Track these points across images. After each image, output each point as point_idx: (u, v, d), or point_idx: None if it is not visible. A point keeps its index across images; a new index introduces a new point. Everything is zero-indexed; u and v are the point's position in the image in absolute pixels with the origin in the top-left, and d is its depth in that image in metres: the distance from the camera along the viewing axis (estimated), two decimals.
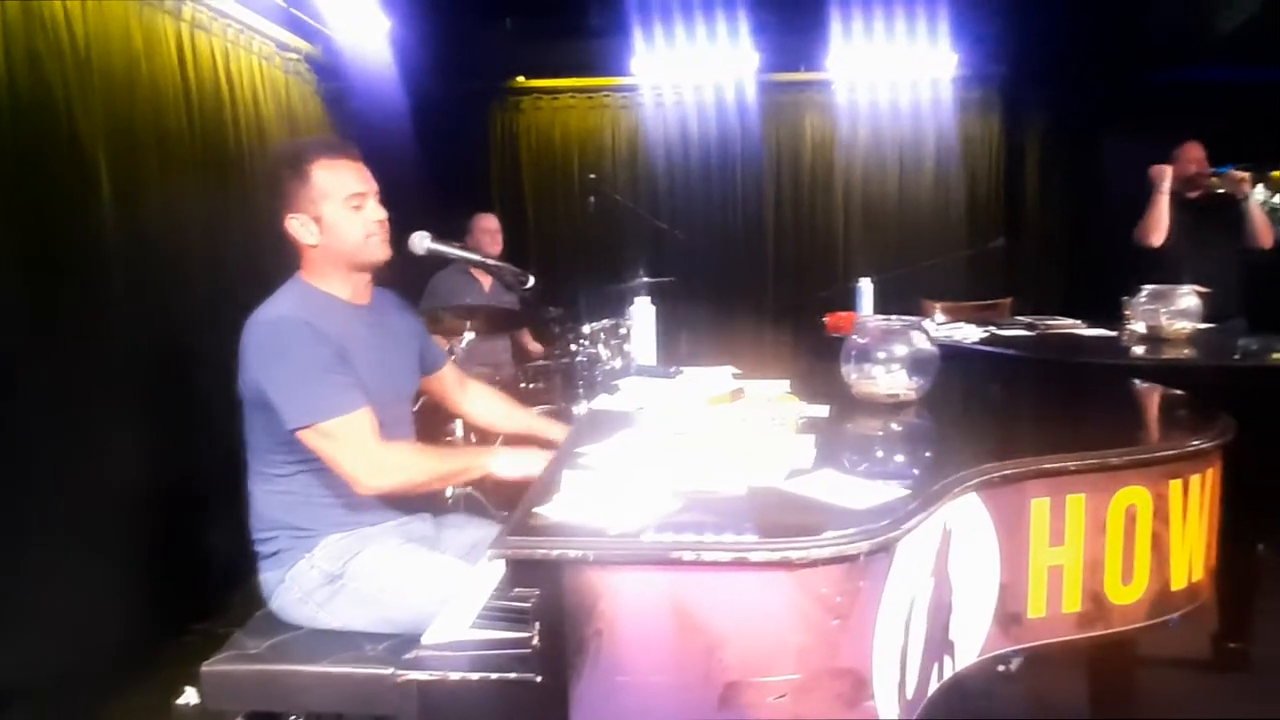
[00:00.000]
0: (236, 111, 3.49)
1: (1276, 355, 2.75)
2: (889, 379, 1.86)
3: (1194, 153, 3.74)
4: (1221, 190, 3.63)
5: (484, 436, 3.28)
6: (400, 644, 1.63)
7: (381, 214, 1.79)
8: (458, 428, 3.23)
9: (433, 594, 1.60)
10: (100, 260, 2.60)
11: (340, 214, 1.74)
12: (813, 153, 5.54)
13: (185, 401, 2.87)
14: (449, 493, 3.03)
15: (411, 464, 1.72)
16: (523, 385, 3.84)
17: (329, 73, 4.32)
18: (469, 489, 3.06)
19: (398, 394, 1.90)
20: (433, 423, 3.08)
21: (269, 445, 1.73)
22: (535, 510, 1.14)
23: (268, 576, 1.77)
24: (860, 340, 1.90)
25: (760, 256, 5.59)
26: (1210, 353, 2.82)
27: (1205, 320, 3.06)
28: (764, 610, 1.02)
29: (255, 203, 3.43)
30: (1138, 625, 1.46)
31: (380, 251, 1.80)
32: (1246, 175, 3.62)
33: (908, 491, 1.19)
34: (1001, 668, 2.47)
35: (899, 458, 1.58)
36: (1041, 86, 5.30)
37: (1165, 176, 3.65)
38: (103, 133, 2.65)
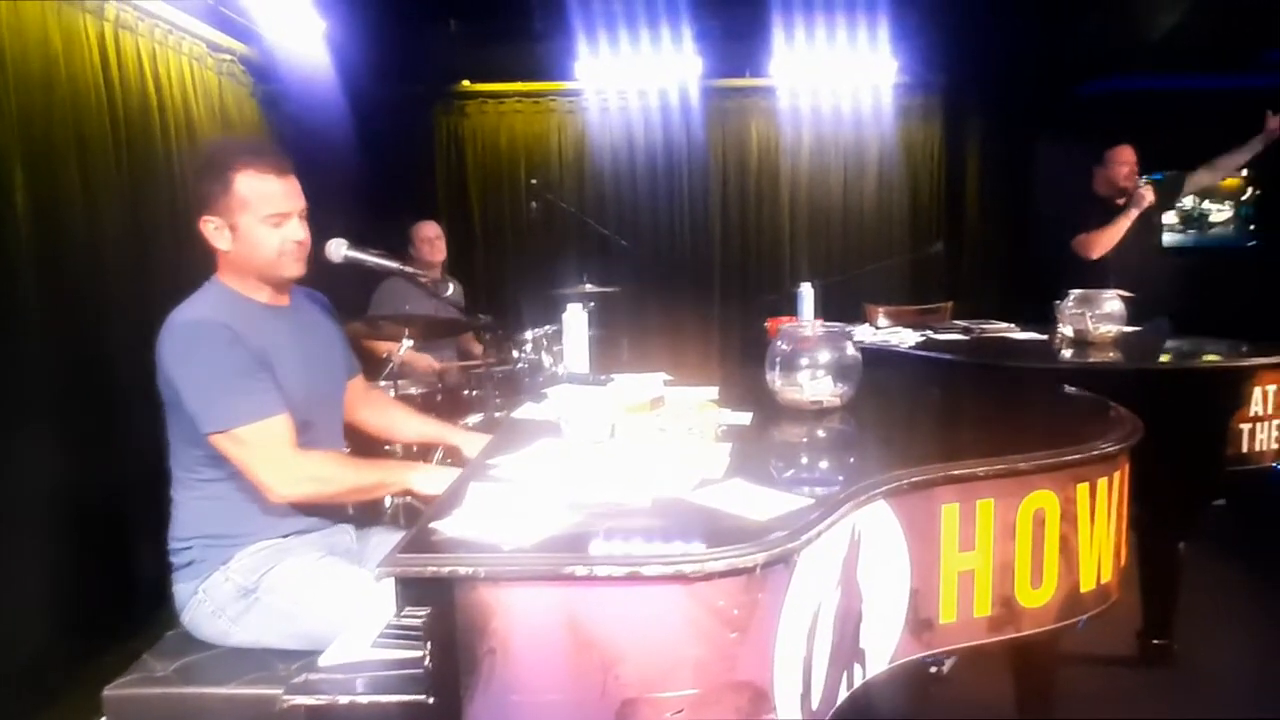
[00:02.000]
0: (165, 115, 3.39)
1: (1209, 356, 2.82)
2: (813, 385, 1.87)
3: (1127, 155, 3.83)
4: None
5: (425, 451, 3.24)
6: (314, 663, 1.60)
7: (302, 235, 1.75)
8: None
9: (350, 609, 1.56)
10: (11, 268, 2.51)
11: (256, 228, 1.70)
12: (758, 158, 5.57)
13: (106, 410, 2.79)
14: (387, 502, 2.98)
15: (327, 474, 1.69)
16: (466, 392, 3.80)
17: (265, 74, 4.23)
18: (408, 498, 3.01)
19: (324, 397, 1.86)
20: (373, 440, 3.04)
21: (189, 450, 1.69)
22: (432, 525, 1.11)
23: (180, 589, 1.73)
24: (784, 347, 1.91)
25: (706, 262, 5.61)
26: (1132, 356, 2.89)
27: (1131, 321, 3.14)
28: (660, 625, 1.01)
29: (185, 212, 3.34)
30: (1048, 628, 1.48)
31: (292, 270, 1.76)
32: (1148, 188, 3.73)
33: (811, 501, 1.19)
34: (933, 669, 2.51)
35: (811, 466, 1.58)
36: (979, 95, 5.40)
37: (1145, 200, 3.72)
38: (18, 138, 2.56)
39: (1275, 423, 2.63)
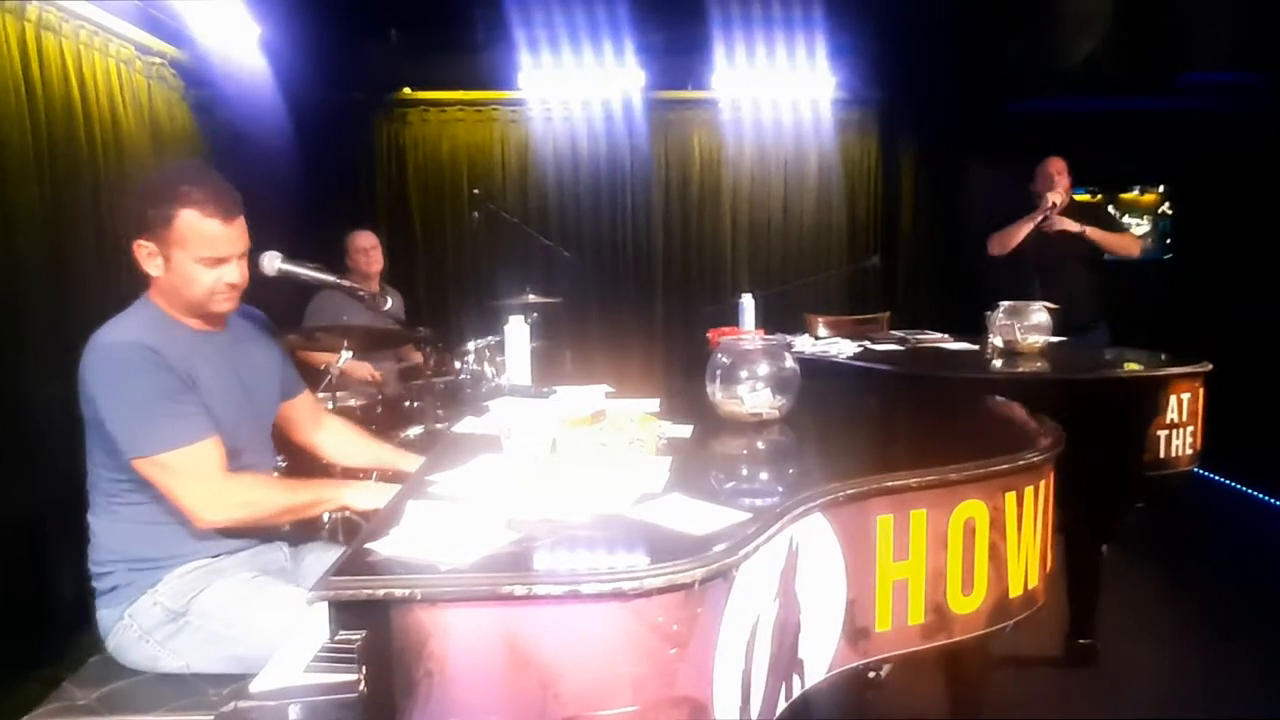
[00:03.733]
0: (90, 119, 3.27)
1: (1131, 365, 2.95)
2: (753, 398, 1.90)
3: (1052, 165, 3.98)
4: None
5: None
6: (245, 688, 1.55)
7: (236, 278, 1.69)
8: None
9: (285, 631, 1.53)
10: None
11: (190, 266, 1.65)
12: (700, 170, 5.63)
13: (23, 430, 2.67)
14: (325, 518, 2.92)
15: (257, 498, 1.66)
16: (406, 404, 3.74)
17: (198, 78, 4.11)
18: (346, 513, 2.95)
19: (254, 423, 1.82)
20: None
21: (111, 473, 1.63)
22: (368, 545, 1.10)
23: (105, 614, 1.67)
24: (724, 359, 1.93)
25: (649, 272, 5.63)
26: (1057, 366, 3.00)
27: (1066, 330, 3.25)
28: (599, 643, 1.01)
29: (113, 217, 3.23)
30: (978, 634, 1.53)
31: (223, 307, 1.72)
32: (1056, 192, 3.87)
33: (749, 515, 1.21)
34: (872, 674, 2.55)
35: (750, 480, 1.60)
36: (913, 111, 5.56)
37: (1046, 204, 3.84)
38: None
39: (1189, 429, 2.76)
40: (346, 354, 3.22)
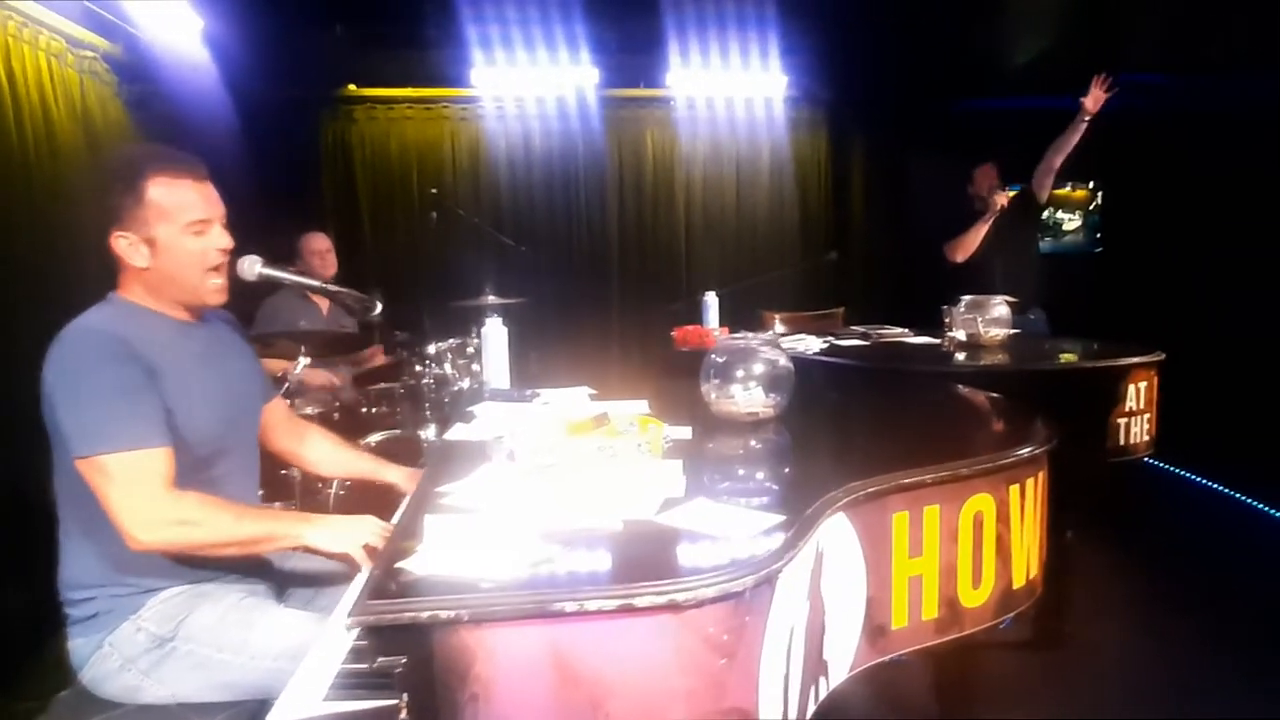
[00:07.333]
0: (20, 114, 3.09)
1: (1066, 356, 3.05)
2: (747, 397, 1.88)
3: (988, 171, 4.15)
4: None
5: (326, 482, 3.07)
6: (240, 715, 1.47)
7: (227, 241, 1.61)
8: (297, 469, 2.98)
9: (278, 653, 1.46)
10: None
11: (178, 239, 1.55)
12: (654, 168, 5.62)
13: None
14: None
15: (198, 518, 1.46)
16: (365, 410, 3.63)
17: (133, 73, 3.93)
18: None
19: (237, 422, 1.71)
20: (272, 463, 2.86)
21: (85, 487, 1.47)
22: (399, 565, 1.04)
23: (81, 643, 1.54)
24: (718, 359, 1.91)
25: (605, 271, 5.60)
26: (1021, 358, 3.08)
27: (1010, 310, 3.35)
28: (651, 656, 0.98)
29: (45, 214, 3.05)
30: (986, 625, 1.54)
31: (216, 296, 1.63)
32: (1002, 195, 4.05)
33: (784, 517, 1.19)
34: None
35: (768, 481, 1.58)
36: (862, 110, 5.66)
37: (996, 205, 3.98)
38: None
39: (1146, 417, 2.86)
40: (304, 360, 3.11)
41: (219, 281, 1.62)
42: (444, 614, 0.93)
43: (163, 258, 1.56)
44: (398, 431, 3.45)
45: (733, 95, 5.43)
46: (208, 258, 1.58)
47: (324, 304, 3.81)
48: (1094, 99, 3.90)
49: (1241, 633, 2.91)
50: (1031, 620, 2.82)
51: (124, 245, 1.55)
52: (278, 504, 2.99)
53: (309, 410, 3.34)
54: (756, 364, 1.89)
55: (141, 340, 1.51)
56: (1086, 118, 3.92)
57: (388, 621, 0.93)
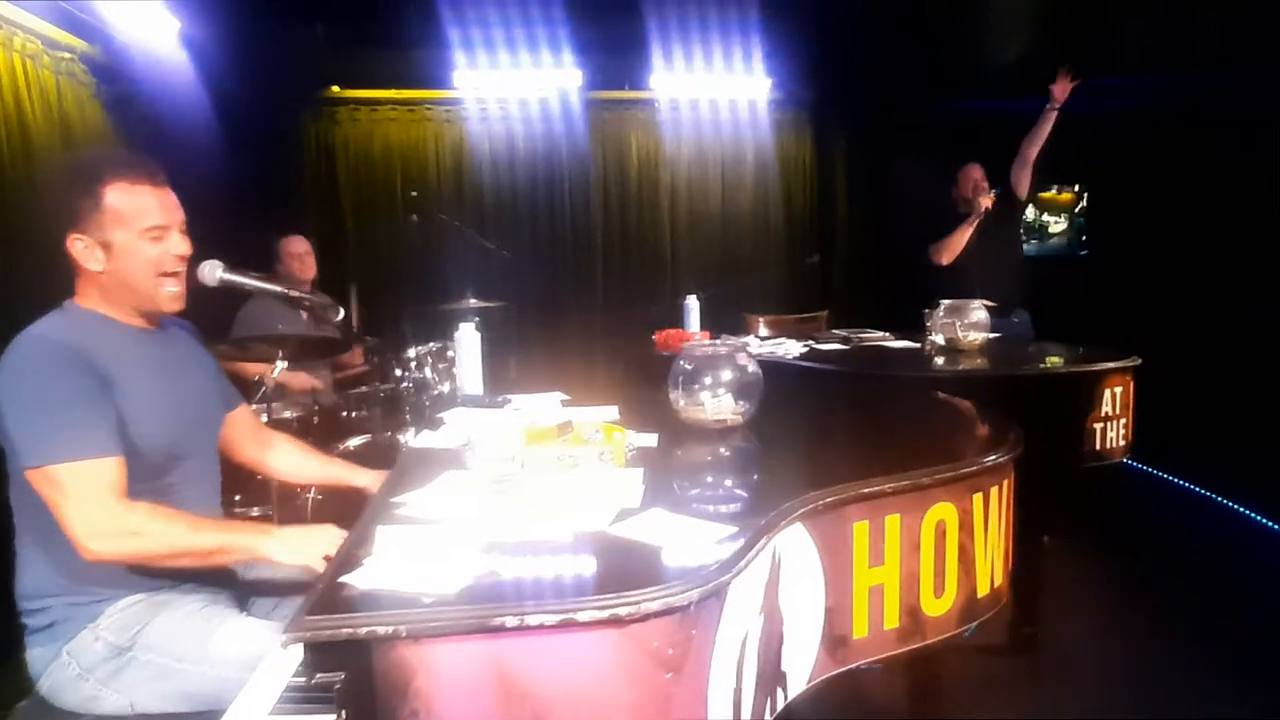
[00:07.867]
0: None
1: (1052, 360, 3.06)
2: (715, 404, 1.88)
3: (972, 172, 4.14)
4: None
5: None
6: None
7: (185, 248, 1.60)
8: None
9: (238, 663, 1.44)
10: None
11: (134, 244, 1.54)
12: (638, 170, 5.61)
13: None
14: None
15: (152, 529, 1.44)
16: (344, 414, 3.61)
17: (111, 75, 3.89)
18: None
19: (196, 430, 1.69)
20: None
21: (38, 497, 1.46)
22: (342, 579, 1.03)
23: (39, 653, 1.53)
24: (687, 365, 1.91)
25: (589, 274, 5.59)
26: (999, 363, 3.08)
27: (992, 313, 3.35)
28: (595, 671, 0.97)
29: (18, 218, 3.02)
30: (949, 634, 1.54)
31: (171, 303, 1.61)
32: (987, 196, 4.04)
33: (736, 529, 1.18)
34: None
35: (729, 491, 1.57)
36: (845, 112, 5.66)
37: (981, 207, 3.99)
38: None
39: (1122, 421, 2.87)
40: (281, 364, 3.09)
41: (175, 289, 1.60)
42: (382, 629, 0.92)
43: (118, 262, 1.54)
44: (376, 435, 3.43)
45: (717, 97, 5.43)
46: (163, 263, 1.57)
47: None
48: (1061, 88, 3.96)
49: (1217, 632, 2.92)
50: (1005, 625, 2.82)
51: (79, 248, 1.54)
52: (255, 509, 2.97)
53: (288, 414, 3.32)
54: (725, 370, 1.89)
55: (94, 347, 1.50)
56: (1056, 106, 3.97)
57: (324, 638, 0.92)
